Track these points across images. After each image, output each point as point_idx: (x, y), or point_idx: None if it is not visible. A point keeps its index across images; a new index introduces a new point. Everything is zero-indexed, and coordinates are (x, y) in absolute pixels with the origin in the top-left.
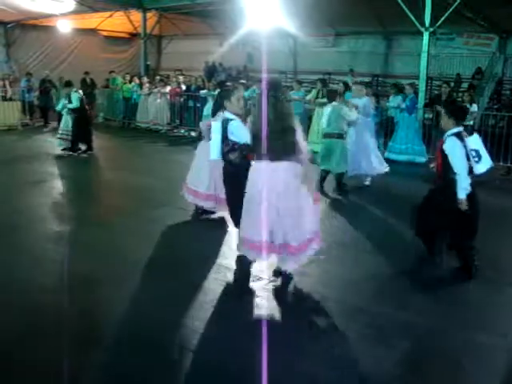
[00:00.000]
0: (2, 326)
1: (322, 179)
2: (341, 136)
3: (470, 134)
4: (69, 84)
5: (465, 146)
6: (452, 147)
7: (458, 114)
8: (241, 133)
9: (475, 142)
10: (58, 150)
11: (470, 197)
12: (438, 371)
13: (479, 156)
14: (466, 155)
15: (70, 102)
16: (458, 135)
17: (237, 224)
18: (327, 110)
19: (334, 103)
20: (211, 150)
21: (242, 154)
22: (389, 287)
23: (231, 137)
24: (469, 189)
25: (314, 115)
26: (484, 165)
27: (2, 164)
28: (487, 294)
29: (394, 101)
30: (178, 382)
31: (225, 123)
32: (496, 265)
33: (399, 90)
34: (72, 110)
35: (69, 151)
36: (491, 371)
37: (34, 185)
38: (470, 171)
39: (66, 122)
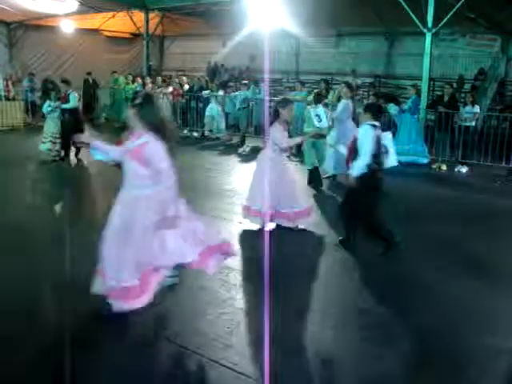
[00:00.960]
0: (2, 326)
1: (312, 178)
2: (324, 136)
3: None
4: (67, 82)
5: (378, 137)
6: (364, 132)
7: (374, 109)
8: None
9: (386, 138)
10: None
11: (374, 180)
12: (439, 372)
13: (387, 151)
14: (377, 145)
15: (65, 101)
16: (373, 126)
17: None
18: (316, 110)
19: (319, 105)
20: None
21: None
22: (389, 288)
23: None
24: (363, 170)
25: None
26: (390, 161)
27: (3, 164)
28: (488, 294)
29: (391, 108)
30: (179, 382)
31: None
32: (497, 266)
33: (387, 100)
34: (66, 111)
35: (60, 158)
36: (492, 372)
37: (35, 184)
38: (376, 158)
39: (53, 124)
